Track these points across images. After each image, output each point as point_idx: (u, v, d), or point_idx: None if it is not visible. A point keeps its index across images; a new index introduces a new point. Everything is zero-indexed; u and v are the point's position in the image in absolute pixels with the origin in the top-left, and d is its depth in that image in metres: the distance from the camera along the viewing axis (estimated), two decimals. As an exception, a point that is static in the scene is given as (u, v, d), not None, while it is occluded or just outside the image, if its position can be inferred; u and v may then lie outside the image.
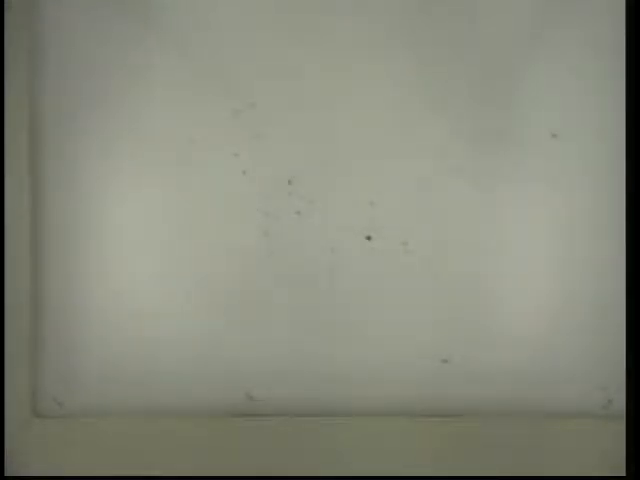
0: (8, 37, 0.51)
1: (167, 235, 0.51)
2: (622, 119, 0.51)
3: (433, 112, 0.51)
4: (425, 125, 0.51)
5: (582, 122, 0.51)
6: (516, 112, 0.51)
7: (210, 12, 0.51)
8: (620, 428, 0.50)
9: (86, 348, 0.51)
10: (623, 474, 0.47)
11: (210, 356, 0.51)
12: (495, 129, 0.51)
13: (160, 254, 0.51)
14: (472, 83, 0.51)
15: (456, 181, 0.51)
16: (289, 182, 0.51)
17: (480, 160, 0.51)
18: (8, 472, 0.50)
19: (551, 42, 0.51)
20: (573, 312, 0.51)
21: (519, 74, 0.51)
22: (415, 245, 0.51)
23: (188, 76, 0.51)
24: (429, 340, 0.51)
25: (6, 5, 0.51)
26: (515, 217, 0.52)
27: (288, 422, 0.51)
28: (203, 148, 0.51)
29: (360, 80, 0.51)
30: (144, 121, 0.51)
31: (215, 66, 0.51)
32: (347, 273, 0.51)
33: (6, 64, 0.51)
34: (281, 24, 0.51)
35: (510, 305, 0.52)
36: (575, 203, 0.52)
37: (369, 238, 0.52)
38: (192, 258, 0.51)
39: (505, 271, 0.51)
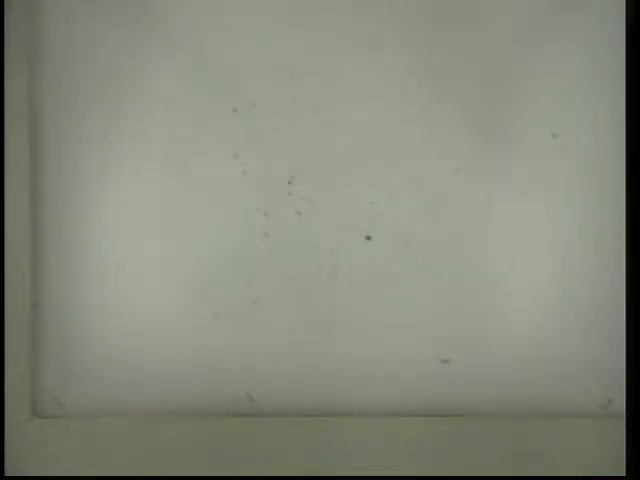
0: (8, 37, 0.51)
1: (167, 235, 0.51)
2: (622, 119, 0.51)
3: (433, 112, 0.51)
4: (425, 125, 0.51)
5: (582, 122, 0.51)
6: (516, 112, 0.51)
7: (210, 12, 0.51)
8: (620, 428, 0.50)
9: (86, 348, 0.51)
10: (623, 474, 0.47)
11: (210, 356, 0.51)
12: (495, 129, 0.51)
13: (160, 254, 0.51)
14: (472, 84, 0.51)
15: (456, 181, 0.51)
16: (289, 182, 0.51)
17: (480, 160, 0.51)
18: (8, 472, 0.50)
19: (551, 42, 0.51)
20: (573, 312, 0.51)
21: (519, 74, 0.51)
22: (415, 245, 0.51)
23: (188, 76, 0.51)
24: (429, 340, 0.51)
25: (6, 5, 0.51)
26: (515, 217, 0.52)
27: (288, 422, 0.51)
28: (203, 148, 0.51)
29: (360, 80, 0.51)
30: (144, 121, 0.51)
31: (215, 66, 0.51)
32: (347, 273, 0.51)
33: (6, 64, 0.51)
34: (281, 24, 0.51)
35: (510, 305, 0.51)
36: (575, 203, 0.52)
37: (369, 238, 0.51)
38: (192, 258, 0.51)
39: (505, 271, 0.51)
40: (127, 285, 0.51)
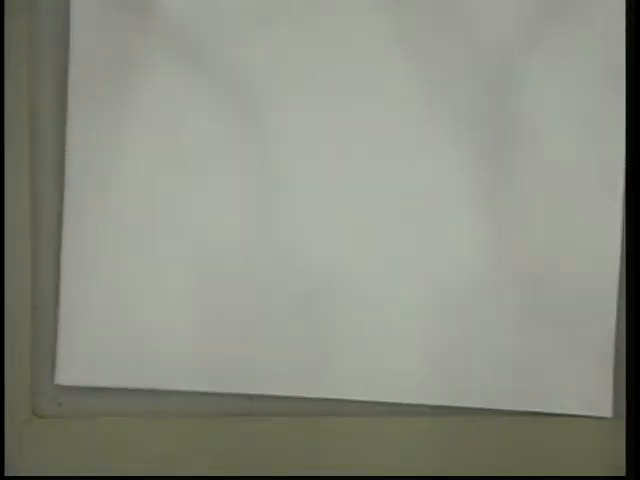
0: (8, 37, 0.51)
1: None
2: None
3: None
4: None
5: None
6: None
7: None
8: (620, 428, 0.50)
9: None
10: (623, 474, 0.47)
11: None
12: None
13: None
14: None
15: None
16: None
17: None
18: (8, 472, 0.50)
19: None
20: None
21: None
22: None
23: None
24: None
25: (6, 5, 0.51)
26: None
27: (288, 422, 0.51)
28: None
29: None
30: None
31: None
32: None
33: (6, 64, 0.51)
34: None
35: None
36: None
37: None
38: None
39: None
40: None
